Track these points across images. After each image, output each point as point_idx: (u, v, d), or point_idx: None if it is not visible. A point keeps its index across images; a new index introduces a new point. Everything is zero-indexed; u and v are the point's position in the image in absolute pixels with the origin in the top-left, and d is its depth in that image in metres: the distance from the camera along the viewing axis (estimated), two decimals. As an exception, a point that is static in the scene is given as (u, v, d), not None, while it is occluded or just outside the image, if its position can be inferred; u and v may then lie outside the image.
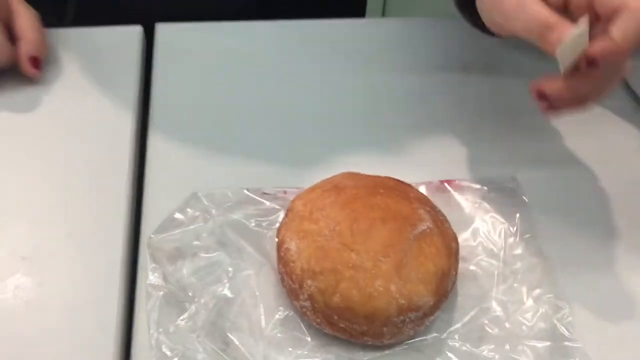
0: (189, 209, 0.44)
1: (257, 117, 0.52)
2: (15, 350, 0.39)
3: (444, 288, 0.39)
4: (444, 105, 0.53)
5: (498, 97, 0.54)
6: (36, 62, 0.52)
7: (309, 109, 0.53)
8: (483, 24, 0.45)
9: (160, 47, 0.57)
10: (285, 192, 0.45)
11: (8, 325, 0.40)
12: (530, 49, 0.41)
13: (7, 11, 0.52)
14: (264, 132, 0.51)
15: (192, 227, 0.43)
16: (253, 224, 0.44)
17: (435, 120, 0.52)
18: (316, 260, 0.38)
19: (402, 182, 0.43)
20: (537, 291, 0.42)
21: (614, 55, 0.37)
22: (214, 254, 0.42)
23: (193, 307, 0.40)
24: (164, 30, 0.58)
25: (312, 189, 0.42)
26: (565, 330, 0.40)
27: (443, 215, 0.42)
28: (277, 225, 0.43)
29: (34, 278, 0.42)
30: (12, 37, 0.52)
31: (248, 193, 0.45)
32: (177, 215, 0.44)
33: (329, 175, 0.44)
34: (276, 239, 0.41)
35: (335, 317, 0.38)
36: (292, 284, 0.39)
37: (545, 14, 0.39)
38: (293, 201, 0.42)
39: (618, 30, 0.37)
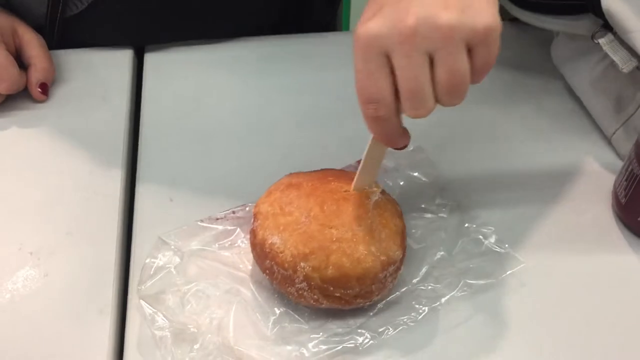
0: (159, 254, 0.47)
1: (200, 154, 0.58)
2: (23, 332, 0.45)
3: (404, 243, 0.46)
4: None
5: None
6: (44, 88, 0.59)
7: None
8: None
9: (149, 71, 0.64)
10: (233, 212, 0.50)
11: (19, 309, 0.46)
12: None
13: (17, 39, 0.58)
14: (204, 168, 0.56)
15: (167, 267, 0.47)
16: (217, 247, 0.48)
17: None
18: (303, 243, 0.43)
19: (340, 170, 0.49)
20: (466, 225, 0.51)
21: None
22: (193, 285, 0.46)
23: (199, 336, 0.44)
24: (153, 53, 0.66)
25: (268, 193, 0.46)
26: (495, 247, 0.49)
27: (381, 186, 0.48)
28: (238, 243, 0.48)
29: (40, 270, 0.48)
30: (22, 64, 0.58)
31: (202, 224, 0.49)
32: (149, 261, 0.47)
33: (263, 190, 0.48)
34: (248, 243, 0.46)
35: (331, 289, 0.43)
36: (285, 272, 0.43)
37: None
38: (257, 207, 0.46)
39: None
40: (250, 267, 0.47)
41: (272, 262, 0.44)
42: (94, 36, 0.65)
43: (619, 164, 0.56)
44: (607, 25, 0.53)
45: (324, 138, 0.58)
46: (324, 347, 0.43)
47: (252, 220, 0.46)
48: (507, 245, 0.49)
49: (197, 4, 0.64)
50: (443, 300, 0.46)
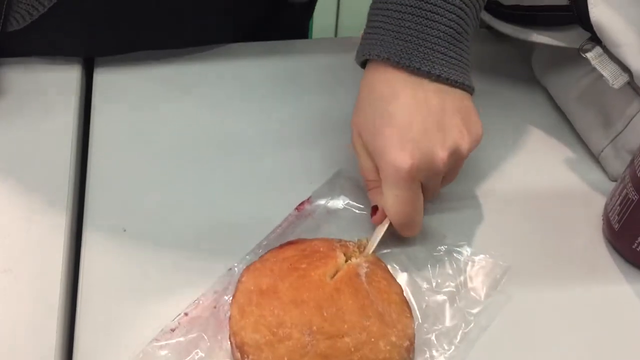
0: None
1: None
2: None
3: (408, 303, 0.41)
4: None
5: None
6: None
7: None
8: None
9: (100, 84, 0.58)
10: (186, 314, 0.42)
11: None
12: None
13: None
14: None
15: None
16: None
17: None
18: None
19: (294, 243, 0.43)
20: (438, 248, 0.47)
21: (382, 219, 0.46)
22: None
23: None
24: (105, 67, 0.60)
25: (241, 312, 0.39)
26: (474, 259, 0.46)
27: (351, 241, 0.44)
28: (207, 348, 0.40)
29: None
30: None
31: (159, 343, 0.40)
32: None
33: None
34: (216, 346, 0.40)
35: None
36: None
37: (369, 175, 0.46)
38: (237, 336, 0.38)
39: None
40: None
41: None
42: (42, 48, 0.58)
43: (607, 182, 0.53)
44: (594, 38, 0.50)
45: (295, 161, 0.53)
46: None
47: (237, 353, 0.38)
48: (486, 256, 0.47)
49: (154, 12, 0.58)
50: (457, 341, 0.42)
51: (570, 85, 0.55)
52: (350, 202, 0.49)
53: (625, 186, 0.45)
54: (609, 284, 0.47)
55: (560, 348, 0.43)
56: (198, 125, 0.56)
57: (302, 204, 0.49)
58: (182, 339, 0.40)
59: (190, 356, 0.40)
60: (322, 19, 1.40)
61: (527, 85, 0.60)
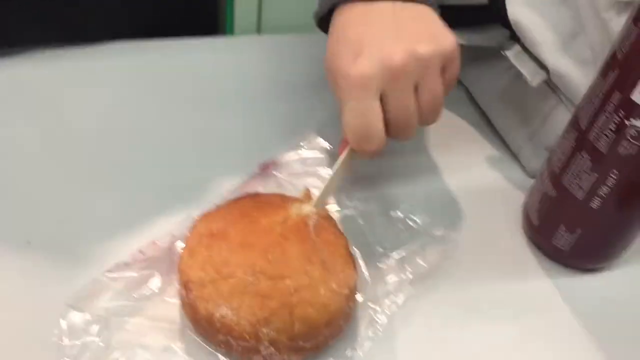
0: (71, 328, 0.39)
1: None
2: None
3: (353, 260, 0.42)
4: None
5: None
6: None
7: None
8: None
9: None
10: (141, 252, 0.42)
11: None
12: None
13: None
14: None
15: (92, 341, 0.39)
16: (136, 299, 0.41)
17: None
18: (260, 307, 0.37)
19: (253, 195, 0.44)
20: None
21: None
22: (119, 354, 0.38)
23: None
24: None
25: (190, 252, 0.40)
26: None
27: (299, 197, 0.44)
28: (157, 289, 0.41)
29: None
30: None
31: (111, 274, 0.41)
32: (68, 343, 0.38)
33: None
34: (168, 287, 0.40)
35: (301, 343, 0.38)
36: (246, 343, 0.37)
37: None
38: (184, 273, 0.39)
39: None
40: (178, 319, 0.41)
41: (228, 337, 0.38)
42: None
43: (527, 180, 0.54)
44: (514, 37, 0.50)
45: (205, 157, 0.52)
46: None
47: (182, 290, 0.39)
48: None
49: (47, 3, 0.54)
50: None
51: (490, 83, 0.56)
52: (312, 165, 0.50)
53: (543, 182, 0.46)
54: (530, 279, 0.47)
55: (479, 343, 0.43)
56: (115, 120, 0.53)
57: (267, 165, 0.49)
58: (135, 274, 0.41)
59: (142, 290, 0.41)
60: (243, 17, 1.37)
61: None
